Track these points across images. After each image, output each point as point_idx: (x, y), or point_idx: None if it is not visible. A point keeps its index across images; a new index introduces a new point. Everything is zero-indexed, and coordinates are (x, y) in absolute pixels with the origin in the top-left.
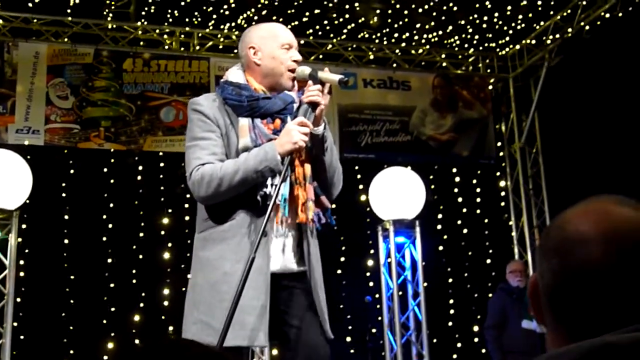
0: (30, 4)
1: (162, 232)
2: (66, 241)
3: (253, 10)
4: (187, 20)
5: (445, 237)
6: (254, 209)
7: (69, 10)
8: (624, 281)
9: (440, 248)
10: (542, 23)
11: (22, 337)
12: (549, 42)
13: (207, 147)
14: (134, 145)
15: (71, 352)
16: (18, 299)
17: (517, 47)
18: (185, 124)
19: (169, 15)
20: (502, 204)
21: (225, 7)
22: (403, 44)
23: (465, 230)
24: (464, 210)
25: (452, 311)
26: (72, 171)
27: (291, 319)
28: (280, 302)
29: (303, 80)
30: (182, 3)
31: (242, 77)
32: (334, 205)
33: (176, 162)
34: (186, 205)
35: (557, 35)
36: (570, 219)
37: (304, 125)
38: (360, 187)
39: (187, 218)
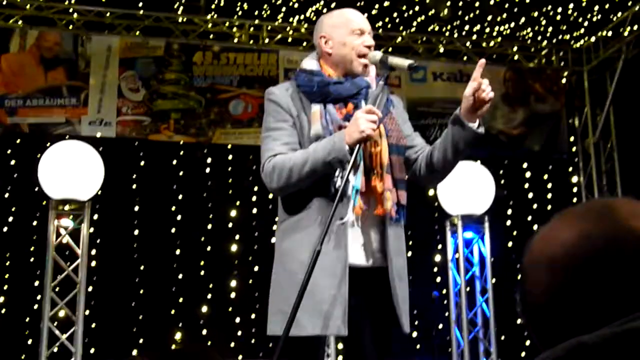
0: None
1: (230, 225)
2: (136, 232)
3: (322, 2)
4: (256, 13)
5: (515, 233)
6: (328, 198)
7: (140, 4)
8: (568, 309)
9: (510, 244)
10: (619, 14)
11: (93, 325)
12: (626, 34)
13: (280, 138)
14: (203, 137)
15: (140, 341)
16: (90, 288)
17: (593, 39)
18: (254, 117)
19: (238, 8)
20: (575, 200)
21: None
22: (474, 37)
23: (535, 227)
24: (535, 206)
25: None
26: (142, 163)
27: (367, 315)
28: (359, 296)
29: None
30: None
31: (316, 64)
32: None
33: (244, 154)
34: (254, 198)
35: (635, 27)
36: (534, 240)
37: (371, 112)
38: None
39: (254, 211)
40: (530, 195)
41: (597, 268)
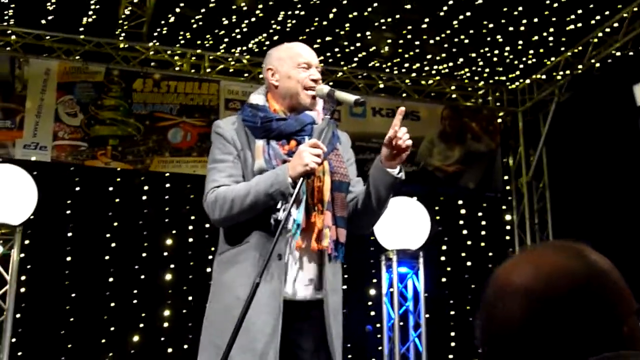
0: (43, 21)
1: (165, 253)
2: (69, 258)
3: (264, 35)
4: (198, 42)
5: (449, 268)
6: (268, 232)
7: (81, 29)
8: (541, 339)
9: (444, 280)
10: (552, 59)
11: (19, 353)
12: (559, 77)
13: (224, 170)
14: (140, 165)
15: None
16: (18, 315)
17: (527, 81)
18: (193, 146)
19: (180, 37)
20: (507, 237)
21: (237, 30)
22: (413, 74)
23: (469, 263)
24: (469, 242)
25: (453, 344)
26: (77, 188)
27: (301, 352)
28: (293, 331)
29: (323, 99)
30: (194, 25)
31: (263, 99)
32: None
33: (182, 183)
34: (190, 227)
35: (568, 72)
36: (504, 270)
37: (316, 146)
38: None
39: (190, 240)
40: (465, 231)
41: (578, 300)
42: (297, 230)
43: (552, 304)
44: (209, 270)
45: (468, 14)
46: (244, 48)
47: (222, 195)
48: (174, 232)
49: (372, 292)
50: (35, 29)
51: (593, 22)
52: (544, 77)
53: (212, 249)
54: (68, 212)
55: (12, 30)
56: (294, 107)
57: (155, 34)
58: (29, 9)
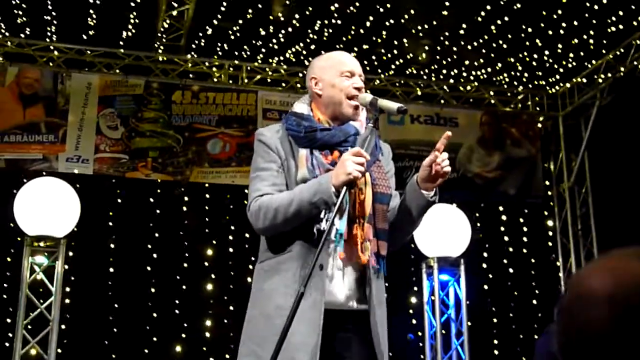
0: (84, 36)
1: (206, 263)
2: (111, 270)
3: (301, 44)
4: (236, 53)
5: (490, 276)
6: (310, 242)
7: (121, 43)
8: (626, 346)
9: (486, 287)
10: (593, 62)
11: None
12: (600, 80)
13: (267, 178)
14: (180, 176)
15: None
16: (63, 326)
17: (568, 85)
18: (232, 156)
19: (218, 49)
20: (550, 244)
21: (274, 41)
22: (451, 81)
23: (511, 270)
24: (510, 249)
25: (496, 352)
26: (119, 200)
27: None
28: (337, 343)
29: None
30: (232, 37)
31: (307, 108)
32: None
33: (221, 193)
34: (230, 237)
35: (609, 74)
36: (583, 276)
37: (359, 155)
38: None
39: (230, 250)
40: (506, 238)
41: None
42: (340, 241)
43: (636, 312)
44: (249, 280)
45: (506, 18)
46: (281, 58)
47: (266, 204)
48: (214, 242)
49: (413, 300)
50: (77, 44)
51: (635, 23)
52: (584, 80)
53: (252, 258)
54: (110, 223)
55: (55, 46)
56: (337, 117)
57: (194, 46)
58: (70, 25)
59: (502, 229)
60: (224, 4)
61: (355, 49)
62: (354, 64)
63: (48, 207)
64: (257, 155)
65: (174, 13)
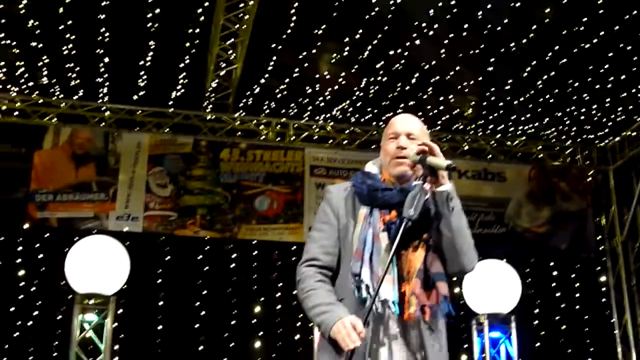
0: (134, 96)
1: (254, 321)
2: (160, 327)
3: (347, 102)
4: (283, 111)
5: (542, 333)
6: (360, 302)
7: (170, 102)
8: None
9: (538, 344)
10: None
11: None
12: None
13: (318, 240)
14: (228, 233)
15: None
16: None
17: (618, 139)
18: (279, 213)
19: (265, 107)
20: (603, 300)
21: (321, 98)
22: (498, 135)
23: (564, 327)
24: (563, 305)
25: None
26: (168, 258)
27: None
28: None
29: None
30: (279, 95)
31: (377, 168)
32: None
33: (269, 250)
34: (278, 294)
35: None
36: None
37: (355, 326)
38: (454, 279)
39: (278, 307)
40: (558, 294)
41: None
42: (394, 306)
43: None
44: (297, 337)
45: (552, 73)
46: (328, 115)
47: (301, 286)
48: (262, 299)
49: (464, 358)
50: (128, 105)
51: None
52: (634, 133)
53: (300, 315)
54: (159, 281)
55: (106, 107)
56: (398, 178)
57: (241, 104)
58: (121, 85)
59: (554, 284)
60: (272, 63)
61: (402, 105)
62: (400, 124)
63: (98, 265)
64: (319, 211)
65: (222, 73)
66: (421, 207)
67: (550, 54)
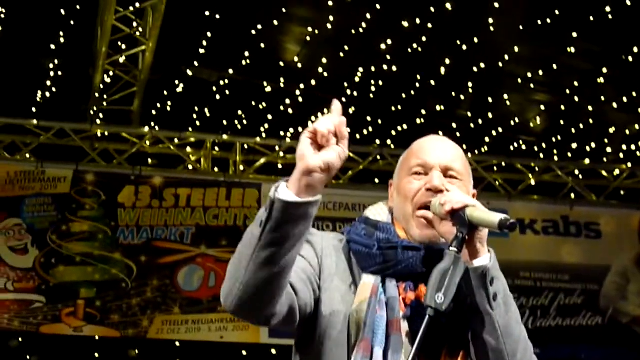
0: None
1: None
2: None
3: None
4: (225, 122)
5: None
6: None
7: (32, 109)
8: None
9: None
10: None
11: None
12: None
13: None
14: (132, 330)
15: None
16: None
17: None
18: (218, 294)
19: (195, 116)
20: None
21: (288, 102)
22: (586, 161)
23: None
24: None
25: None
26: None
27: None
28: None
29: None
30: (217, 96)
31: (388, 215)
32: None
33: (206, 357)
34: None
35: None
36: None
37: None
38: None
39: None
40: None
41: None
42: None
43: None
44: None
45: None
46: (300, 129)
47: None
48: None
49: None
50: None
51: None
52: None
53: None
54: None
55: None
56: (424, 240)
57: (154, 111)
58: None
59: None
60: (205, 42)
61: (419, 112)
62: (433, 152)
63: None
64: None
65: (121, 59)
66: (454, 292)
67: None
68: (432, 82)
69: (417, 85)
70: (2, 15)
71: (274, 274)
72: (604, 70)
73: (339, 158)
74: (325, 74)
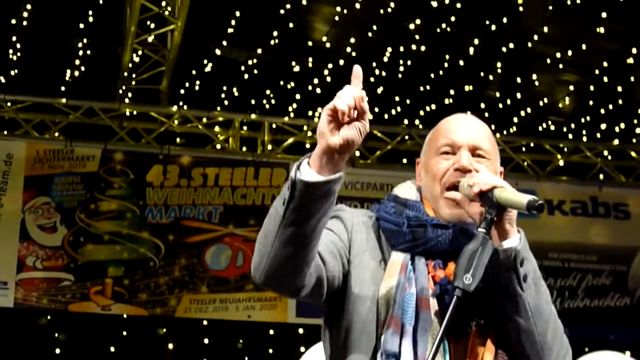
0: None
1: None
2: None
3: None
4: (253, 102)
5: None
6: None
7: (62, 88)
8: None
9: None
10: None
11: None
12: None
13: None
14: (160, 308)
15: None
16: None
17: None
18: (247, 273)
19: (223, 95)
20: None
21: (316, 81)
22: (615, 141)
23: None
24: None
25: None
26: (57, 351)
27: None
28: None
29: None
30: (245, 76)
31: (416, 193)
32: None
33: (233, 336)
34: None
35: None
36: None
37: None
38: None
39: None
40: None
41: None
42: None
43: None
44: None
45: None
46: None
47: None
48: None
49: None
50: None
51: None
52: None
53: None
54: None
55: None
56: (453, 219)
57: (182, 91)
58: None
59: None
60: (233, 22)
61: (447, 92)
62: (461, 131)
63: None
64: None
65: (150, 38)
66: (482, 273)
67: None
68: (461, 62)
69: (446, 65)
70: None
71: (299, 250)
72: (634, 50)
73: (360, 134)
74: (354, 54)
